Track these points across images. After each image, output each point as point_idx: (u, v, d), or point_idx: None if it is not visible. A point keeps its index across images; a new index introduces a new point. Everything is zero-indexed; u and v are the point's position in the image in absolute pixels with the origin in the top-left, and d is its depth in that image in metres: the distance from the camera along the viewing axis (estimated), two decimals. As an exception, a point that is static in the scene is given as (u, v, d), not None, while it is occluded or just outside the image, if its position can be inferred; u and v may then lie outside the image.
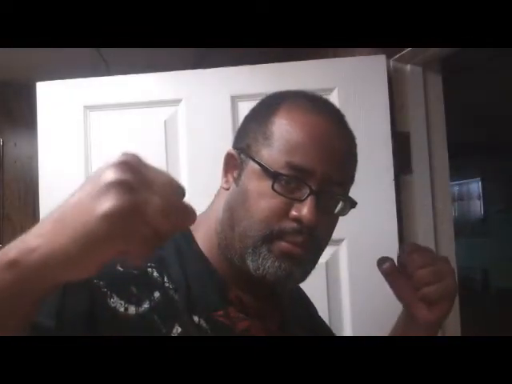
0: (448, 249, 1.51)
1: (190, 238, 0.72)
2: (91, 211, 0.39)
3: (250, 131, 0.70)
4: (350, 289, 1.43)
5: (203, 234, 0.72)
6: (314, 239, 0.66)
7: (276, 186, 0.64)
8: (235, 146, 0.73)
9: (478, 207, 5.46)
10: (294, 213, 0.64)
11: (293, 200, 0.64)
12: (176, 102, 1.52)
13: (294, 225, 0.64)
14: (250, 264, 0.66)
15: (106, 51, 2.04)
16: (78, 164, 1.51)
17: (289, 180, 0.64)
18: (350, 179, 0.70)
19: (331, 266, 1.41)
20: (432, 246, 1.48)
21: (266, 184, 0.65)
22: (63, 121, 1.53)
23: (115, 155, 0.42)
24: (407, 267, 0.70)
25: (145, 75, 1.53)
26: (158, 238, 0.41)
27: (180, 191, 0.44)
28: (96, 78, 1.56)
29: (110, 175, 0.40)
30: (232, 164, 0.71)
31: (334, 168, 0.66)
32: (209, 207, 0.76)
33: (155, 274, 0.65)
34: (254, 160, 0.67)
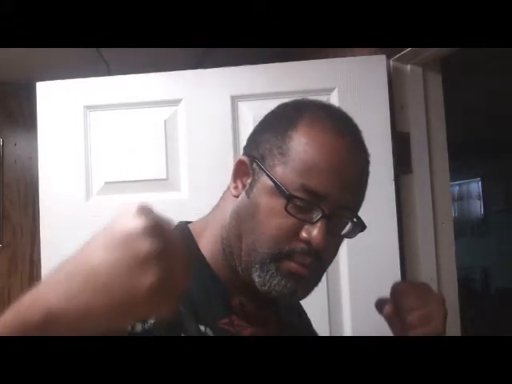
0: (448, 249, 1.51)
1: (193, 245, 0.71)
2: (134, 283, 0.40)
3: (265, 141, 0.69)
4: (350, 289, 1.43)
5: (207, 239, 0.72)
6: (320, 261, 0.66)
7: (289, 207, 0.63)
8: (247, 152, 0.72)
9: (477, 207, 5.45)
10: (304, 235, 0.64)
11: (304, 221, 0.64)
12: (176, 102, 1.51)
13: (304, 246, 0.64)
14: (256, 278, 0.66)
15: (106, 51, 2.04)
16: (77, 164, 1.51)
17: (302, 202, 0.64)
18: (360, 202, 0.70)
19: (331, 266, 1.41)
20: (432, 246, 1.48)
21: (279, 202, 0.64)
22: (63, 121, 1.53)
23: (130, 206, 0.42)
24: (398, 308, 0.70)
25: (145, 75, 1.53)
26: (180, 295, 0.43)
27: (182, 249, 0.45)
28: (96, 78, 1.56)
29: (148, 245, 0.40)
30: (243, 171, 0.70)
31: (348, 193, 0.66)
32: (213, 211, 0.75)
33: None
34: (268, 176, 0.66)
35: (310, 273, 0.66)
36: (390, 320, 0.72)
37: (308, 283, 0.67)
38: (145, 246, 0.40)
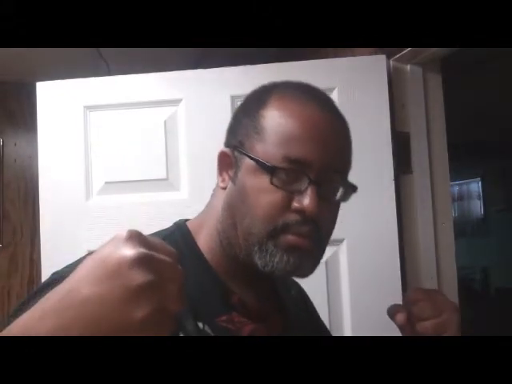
0: (448, 249, 1.51)
1: (191, 242, 0.72)
2: (126, 316, 0.39)
3: (242, 127, 0.70)
4: (350, 289, 1.43)
5: (205, 236, 0.72)
6: (318, 228, 0.65)
7: (275, 181, 0.63)
8: (227, 143, 0.72)
9: (477, 207, 5.45)
10: (295, 204, 0.64)
11: (293, 192, 0.64)
12: (176, 102, 1.51)
13: (297, 216, 0.64)
14: (258, 261, 0.65)
15: (106, 51, 2.04)
16: (77, 164, 1.52)
17: (287, 173, 0.64)
18: (347, 164, 0.70)
19: (331, 266, 1.41)
20: (432, 246, 1.48)
21: (264, 179, 0.64)
22: (63, 121, 1.53)
23: (120, 234, 0.42)
24: (411, 316, 0.70)
25: (145, 75, 1.53)
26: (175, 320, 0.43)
27: (179, 269, 0.44)
28: (96, 78, 1.56)
29: (139, 277, 0.40)
30: (226, 163, 0.70)
31: (330, 156, 0.65)
32: (206, 208, 0.76)
33: None
34: (249, 156, 0.66)
35: (310, 243, 0.65)
36: (402, 328, 0.71)
37: (310, 255, 0.66)
38: (136, 277, 0.40)
